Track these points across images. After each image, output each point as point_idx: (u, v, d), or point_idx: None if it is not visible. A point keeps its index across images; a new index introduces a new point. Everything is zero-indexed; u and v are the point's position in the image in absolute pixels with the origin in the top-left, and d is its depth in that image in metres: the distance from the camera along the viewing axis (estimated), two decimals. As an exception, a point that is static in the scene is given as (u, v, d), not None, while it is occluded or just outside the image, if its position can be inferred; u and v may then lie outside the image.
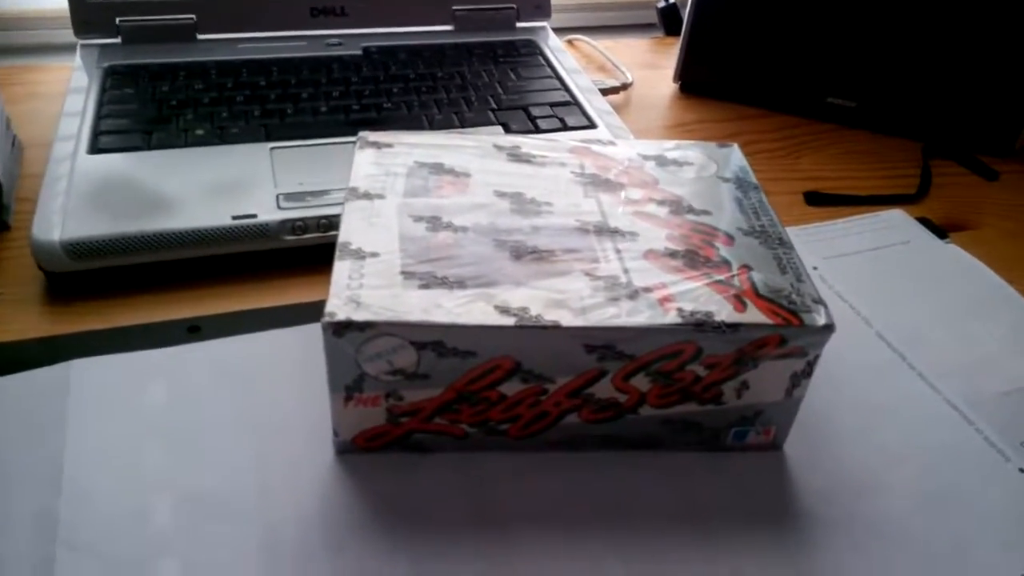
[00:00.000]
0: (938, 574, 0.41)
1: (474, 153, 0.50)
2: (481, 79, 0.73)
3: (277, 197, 0.55)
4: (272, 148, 0.61)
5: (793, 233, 0.63)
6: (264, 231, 0.53)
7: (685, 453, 0.45)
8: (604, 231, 0.45)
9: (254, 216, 0.53)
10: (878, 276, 0.60)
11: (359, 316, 0.37)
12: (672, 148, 0.53)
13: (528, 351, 0.39)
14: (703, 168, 0.52)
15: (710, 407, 0.43)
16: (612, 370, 0.40)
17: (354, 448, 0.42)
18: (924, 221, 0.66)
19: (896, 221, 0.66)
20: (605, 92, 0.80)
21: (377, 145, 0.50)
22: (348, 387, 0.39)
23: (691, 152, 0.53)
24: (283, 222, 0.54)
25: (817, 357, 0.42)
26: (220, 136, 0.61)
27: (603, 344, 0.39)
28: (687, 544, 0.41)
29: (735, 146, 0.54)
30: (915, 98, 0.77)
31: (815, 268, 0.60)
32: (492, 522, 0.41)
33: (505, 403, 0.41)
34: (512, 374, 0.40)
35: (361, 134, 0.51)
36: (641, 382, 0.41)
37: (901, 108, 0.78)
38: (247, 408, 0.45)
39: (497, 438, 0.43)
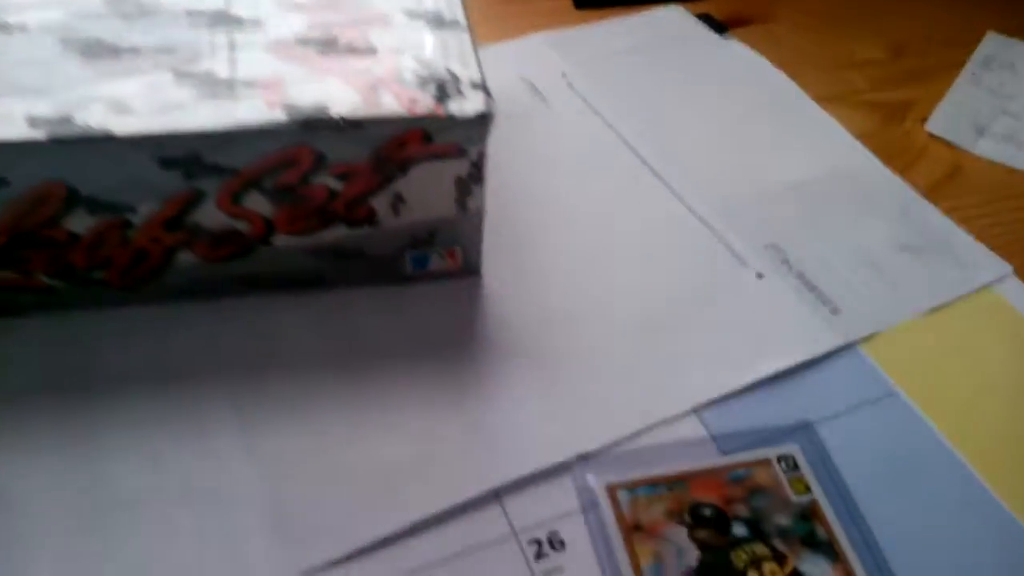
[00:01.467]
0: (648, 399, 0.35)
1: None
2: None
3: None
4: None
5: (551, 39, 0.54)
6: None
7: (359, 290, 0.37)
8: (221, 21, 0.35)
9: None
10: (639, 80, 0.52)
11: None
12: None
13: (83, 173, 0.30)
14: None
15: (366, 230, 0.35)
16: (212, 190, 0.32)
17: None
18: (704, 17, 0.57)
19: (671, 19, 0.57)
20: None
21: (-54, -60, 0.39)
22: None
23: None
24: None
25: (483, 157, 0.34)
26: None
27: (184, 156, 0.31)
28: (343, 396, 0.34)
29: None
30: None
31: (564, 75, 0.51)
32: (85, 394, 0.33)
33: (83, 244, 0.32)
34: (73, 205, 0.31)
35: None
36: (260, 204, 0.33)
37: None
38: None
39: (99, 290, 0.34)
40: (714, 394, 0.35)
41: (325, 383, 0.34)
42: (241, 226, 0.33)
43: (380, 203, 0.34)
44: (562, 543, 0.30)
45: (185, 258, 0.34)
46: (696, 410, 0.35)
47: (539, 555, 0.30)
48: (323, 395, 0.34)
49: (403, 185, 0.34)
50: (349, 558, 0.29)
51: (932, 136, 0.50)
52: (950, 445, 0.35)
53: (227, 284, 0.36)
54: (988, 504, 0.33)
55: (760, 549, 0.30)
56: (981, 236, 0.44)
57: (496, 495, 0.31)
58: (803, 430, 0.35)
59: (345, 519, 0.30)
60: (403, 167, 0.33)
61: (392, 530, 0.30)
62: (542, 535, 0.30)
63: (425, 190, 0.34)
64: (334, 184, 0.33)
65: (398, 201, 0.34)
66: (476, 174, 0.34)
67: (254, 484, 0.31)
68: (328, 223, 0.34)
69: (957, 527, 0.32)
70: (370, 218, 0.35)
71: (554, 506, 0.31)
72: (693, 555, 0.30)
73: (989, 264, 0.42)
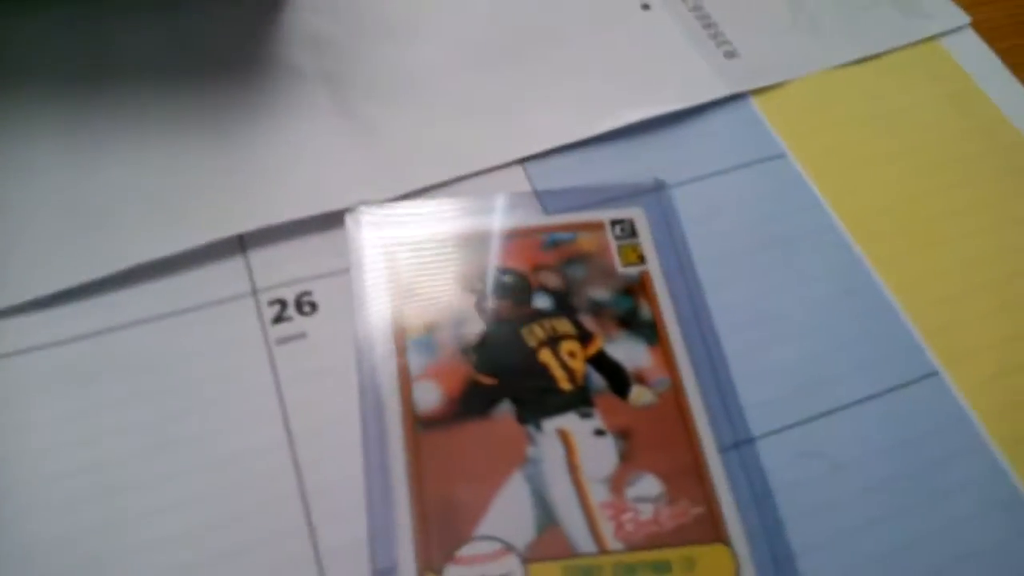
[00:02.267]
0: (463, 146, 0.28)
1: None
2: None
3: None
4: None
5: None
6: None
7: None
8: None
9: None
10: None
11: None
12: None
13: None
14: None
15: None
16: None
17: None
18: None
19: None
20: None
21: None
22: None
23: None
24: None
25: None
26: None
27: None
28: (67, 118, 0.27)
29: None
30: None
31: None
32: None
33: None
34: None
35: None
36: None
37: None
38: None
39: None
40: (546, 144, 0.28)
41: (49, 98, 0.27)
42: None
43: None
44: (312, 305, 0.24)
45: None
46: (523, 161, 0.28)
47: (279, 318, 0.24)
48: (40, 114, 0.27)
49: None
50: (40, 306, 0.23)
51: None
52: (838, 221, 0.28)
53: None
54: (869, 291, 0.27)
55: (562, 325, 0.25)
56: (942, -20, 0.35)
57: (241, 244, 0.25)
58: (653, 193, 0.28)
59: (41, 262, 0.24)
60: None
61: (97, 276, 0.24)
62: (289, 295, 0.24)
63: None
64: None
65: None
66: None
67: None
68: None
69: (822, 315, 0.26)
70: None
71: (314, 264, 0.25)
72: (476, 328, 0.24)
73: (942, 13, 0.34)
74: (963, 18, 0.34)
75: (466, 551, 0.21)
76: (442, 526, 0.21)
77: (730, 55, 0.31)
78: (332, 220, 0.26)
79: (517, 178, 0.28)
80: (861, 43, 0.32)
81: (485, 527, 0.21)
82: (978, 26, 0.34)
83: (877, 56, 0.32)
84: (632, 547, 0.21)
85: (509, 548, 0.21)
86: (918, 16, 0.34)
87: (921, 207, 0.29)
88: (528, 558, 0.21)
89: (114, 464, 0.22)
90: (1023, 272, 0.27)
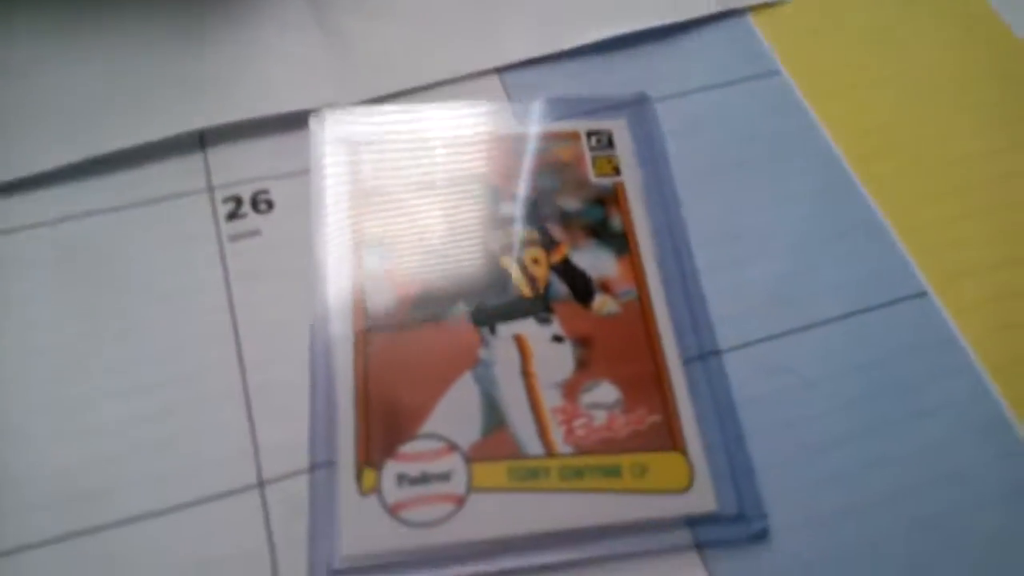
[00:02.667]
0: (438, 53, 0.27)
1: None
2: None
3: None
4: None
5: None
6: None
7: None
8: None
9: None
10: None
11: None
12: None
13: None
14: None
15: None
16: None
17: None
18: None
19: None
20: None
21: None
22: None
23: None
24: None
25: None
26: None
27: None
28: (26, 18, 0.26)
29: None
30: None
31: None
32: None
33: None
34: None
35: None
36: None
37: None
38: None
39: None
40: (525, 55, 0.27)
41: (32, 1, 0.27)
42: None
43: None
44: (269, 204, 0.24)
45: None
46: (500, 71, 0.27)
47: (234, 214, 0.23)
48: (24, 14, 0.26)
49: None
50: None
51: None
52: (831, 140, 0.27)
53: None
54: (858, 210, 0.25)
55: (528, 232, 0.24)
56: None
57: (201, 142, 0.24)
58: (634, 105, 0.26)
59: (7, 149, 0.24)
60: None
61: (61, 164, 0.23)
62: (245, 193, 0.24)
63: None
64: None
65: None
66: None
67: None
68: None
69: (807, 232, 0.25)
70: None
71: (274, 164, 0.24)
72: (437, 232, 0.23)
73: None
74: (983, -59, 0.32)
75: (408, 448, 0.20)
76: (385, 424, 0.20)
77: (727, -29, 0.30)
78: (295, 122, 0.25)
79: (493, 87, 0.27)
80: (869, -38, 0.31)
81: (430, 426, 0.20)
82: (998, -51, 0.32)
83: (886, -24, 0.30)
84: (582, 451, 0.20)
85: (453, 447, 0.20)
86: (933, -63, 0.32)
87: (922, 130, 0.27)
88: (472, 457, 0.20)
89: (62, 350, 0.21)
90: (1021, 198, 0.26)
